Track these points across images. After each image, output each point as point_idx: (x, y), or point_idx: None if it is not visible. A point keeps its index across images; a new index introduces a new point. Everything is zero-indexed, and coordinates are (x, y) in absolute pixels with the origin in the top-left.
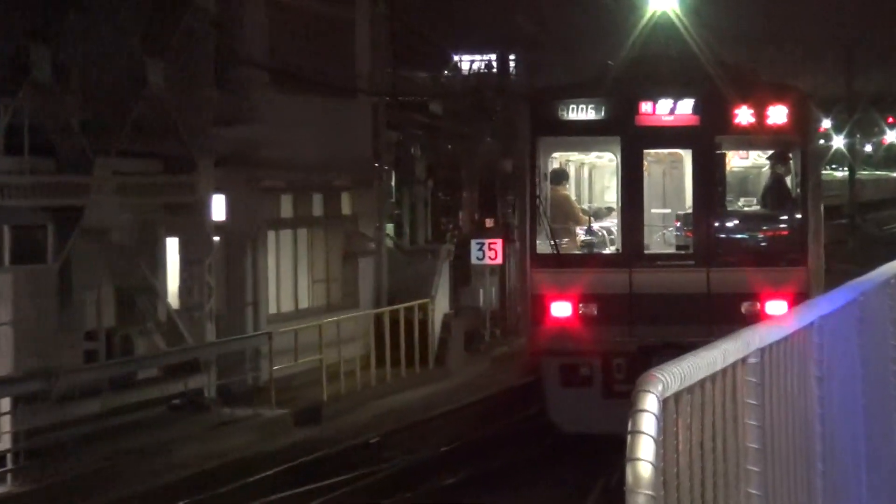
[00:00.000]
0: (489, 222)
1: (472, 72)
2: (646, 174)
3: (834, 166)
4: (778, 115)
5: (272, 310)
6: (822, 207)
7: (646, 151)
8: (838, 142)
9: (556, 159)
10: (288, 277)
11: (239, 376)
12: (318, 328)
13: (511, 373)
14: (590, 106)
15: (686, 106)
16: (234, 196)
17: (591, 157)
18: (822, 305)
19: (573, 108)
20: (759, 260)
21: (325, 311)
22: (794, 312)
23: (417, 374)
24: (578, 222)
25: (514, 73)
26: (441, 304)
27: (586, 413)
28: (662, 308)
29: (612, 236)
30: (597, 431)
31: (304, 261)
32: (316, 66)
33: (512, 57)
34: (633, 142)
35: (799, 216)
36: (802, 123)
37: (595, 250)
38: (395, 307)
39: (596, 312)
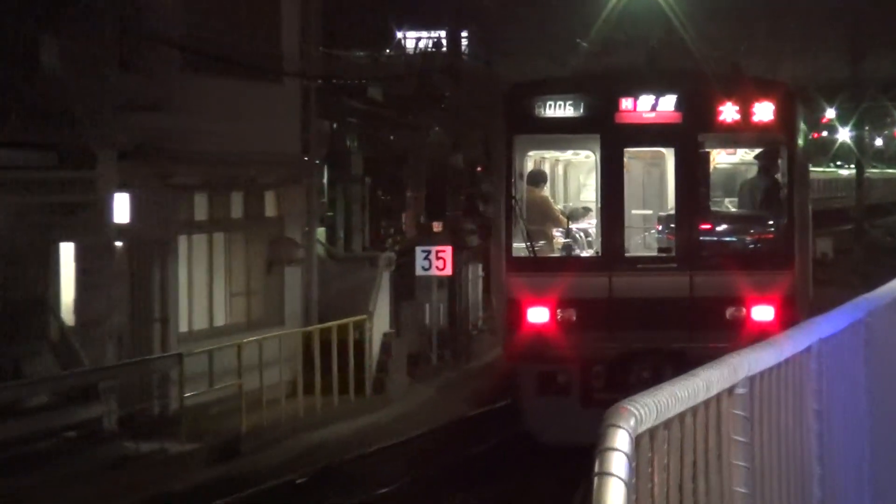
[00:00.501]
0: (437, 226)
1: (417, 51)
2: (626, 173)
3: (839, 163)
4: (764, 111)
5: (183, 327)
6: (809, 208)
7: (626, 150)
8: (844, 135)
9: (531, 157)
10: (202, 290)
11: (144, 404)
12: (237, 349)
13: (461, 401)
14: (568, 102)
15: (668, 102)
16: (141, 194)
17: (567, 155)
18: (822, 327)
19: (550, 105)
20: (744, 263)
21: (245, 330)
22: (789, 335)
23: (352, 403)
24: (557, 224)
25: (466, 52)
26: (381, 322)
27: (564, 423)
28: (644, 313)
29: (590, 238)
30: (575, 442)
31: (222, 270)
32: (237, 45)
33: (464, 34)
34: (614, 140)
35: (785, 217)
36: (789, 121)
37: (573, 253)
38: (327, 325)
39: (574, 318)
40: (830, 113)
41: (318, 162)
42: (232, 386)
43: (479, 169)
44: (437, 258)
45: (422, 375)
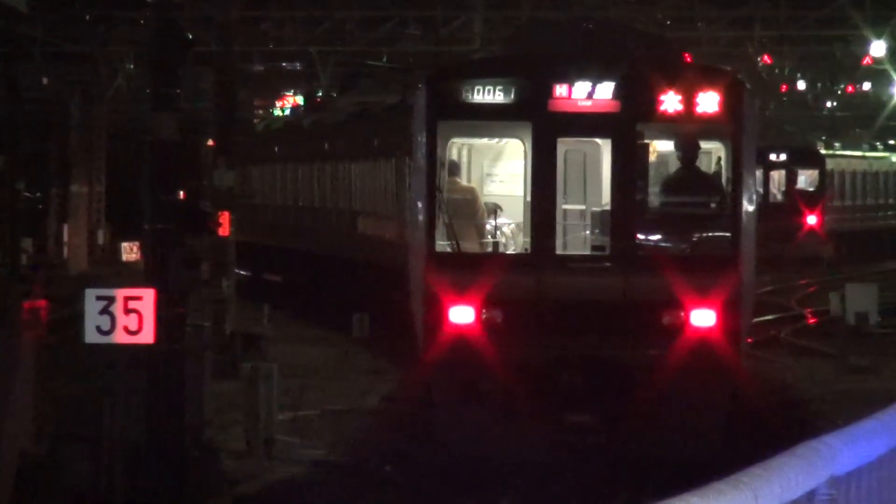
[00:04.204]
0: (130, 249)
1: None
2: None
3: (893, 142)
4: (709, 101)
5: None
6: (756, 205)
7: (560, 140)
8: None
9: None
10: None
11: None
12: None
13: None
14: (497, 87)
15: (606, 90)
16: None
17: (473, 140)
18: (837, 455)
19: (479, 90)
20: (684, 263)
21: None
22: (773, 468)
23: None
24: (483, 218)
25: None
26: (18, 430)
27: (485, 434)
28: (574, 316)
29: (504, 239)
30: (494, 454)
31: None
32: None
33: None
34: (546, 129)
35: (730, 214)
36: (736, 111)
37: (501, 250)
38: None
39: (500, 320)
40: (878, 48)
41: None
42: None
43: (210, 143)
44: (128, 312)
45: None
